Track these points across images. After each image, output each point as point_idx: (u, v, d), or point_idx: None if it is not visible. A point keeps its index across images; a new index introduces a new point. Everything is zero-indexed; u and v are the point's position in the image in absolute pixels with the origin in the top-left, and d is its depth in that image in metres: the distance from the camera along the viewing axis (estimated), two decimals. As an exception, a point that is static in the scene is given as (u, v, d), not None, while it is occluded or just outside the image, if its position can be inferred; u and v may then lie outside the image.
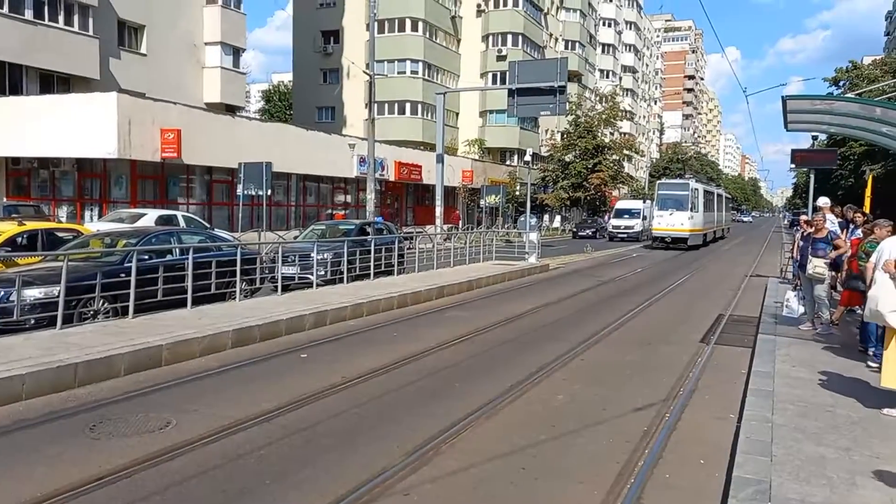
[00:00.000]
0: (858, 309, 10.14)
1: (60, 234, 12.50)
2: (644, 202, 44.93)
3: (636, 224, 41.47)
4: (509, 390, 7.31)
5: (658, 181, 40.52)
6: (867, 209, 17.95)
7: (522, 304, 13.89)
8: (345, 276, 14.69)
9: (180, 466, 5.05)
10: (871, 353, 8.32)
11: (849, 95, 34.06)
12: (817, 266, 10.21)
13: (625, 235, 40.90)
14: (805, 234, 11.98)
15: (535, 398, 7.14)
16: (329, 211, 34.74)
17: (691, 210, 33.32)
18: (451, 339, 10.09)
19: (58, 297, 8.68)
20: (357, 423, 6.20)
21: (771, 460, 5.04)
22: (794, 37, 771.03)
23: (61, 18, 27.32)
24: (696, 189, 34.89)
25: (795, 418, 6.07)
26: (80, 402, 6.59)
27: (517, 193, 45.26)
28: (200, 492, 4.67)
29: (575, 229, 46.88)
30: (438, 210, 29.34)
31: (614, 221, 42.91)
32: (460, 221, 42.91)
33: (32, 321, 8.79)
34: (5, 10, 25.38)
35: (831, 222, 11.53)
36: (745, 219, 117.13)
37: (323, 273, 14.52)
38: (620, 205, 45.38)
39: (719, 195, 45.15)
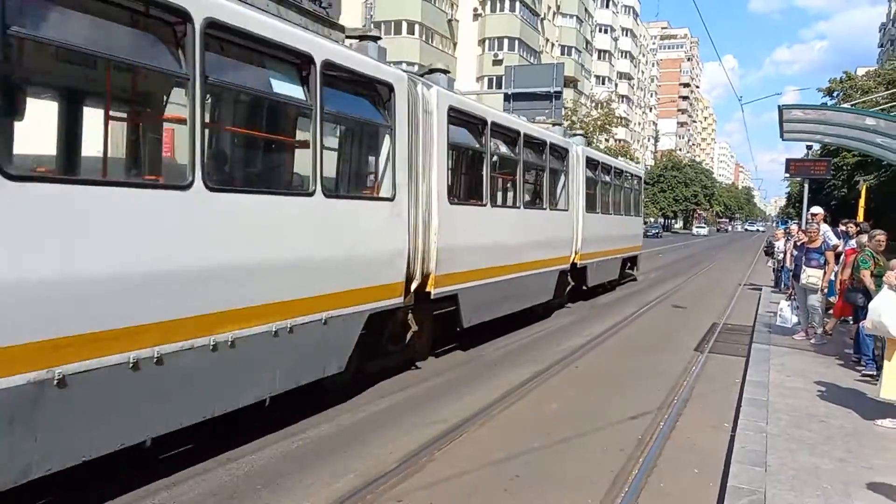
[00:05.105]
0: (851, 319, 10.17)
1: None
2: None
3: None
4: (503, 397, 7.27)
5: None
6: (860, 219, 18.03)
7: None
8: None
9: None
10: (864, 364, 8.33)
11: (844, 106, 34.18)
12: (811, 276, 10.22)
13: None
14: (799, 243, 11.99)
15: (529, 405, 7.11)
16: None
17: None
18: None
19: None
20: (349, 428, 6.16)
21: (765, 470, 5.03)
22: (791, 47, 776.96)
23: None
24: None
25: (790, 428, 6.06)
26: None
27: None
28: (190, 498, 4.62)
29: None
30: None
31: None
32: None
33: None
34: None
35: (826, 232, 11.52)
36: (761, 228, 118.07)
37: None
38: None
39: (536, 141, 12.11)
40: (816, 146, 34.52)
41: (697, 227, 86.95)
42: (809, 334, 10.51)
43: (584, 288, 14.75)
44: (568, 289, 13.84)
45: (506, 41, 53.67)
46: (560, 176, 13.15)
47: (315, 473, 5.07)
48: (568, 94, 52.18)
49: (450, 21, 52.60)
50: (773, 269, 19.83)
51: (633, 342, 10.90)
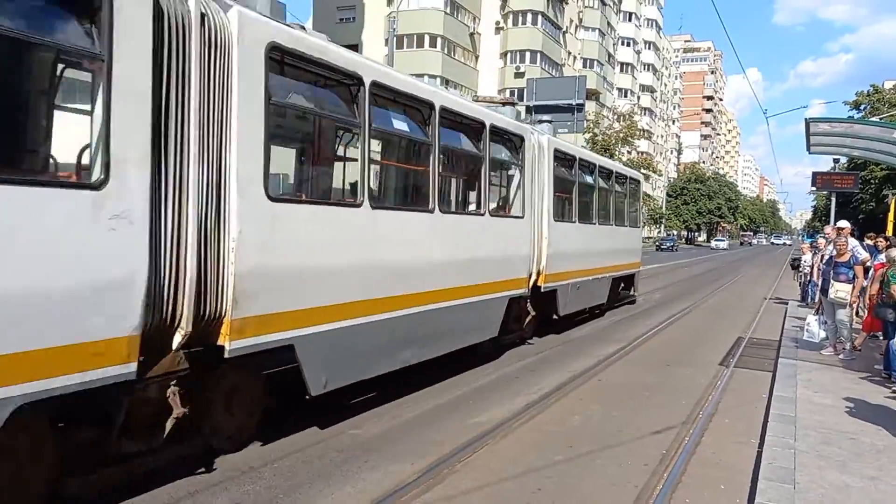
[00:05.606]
0: (881, 335, 9.99)
1: None
2: None
3: None
4: (525, 410, 7.22)
5: None
6: (889, 233, 17.73)
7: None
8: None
9: (193, 478, 4.98)
10: (895, 381, 8.16)
11: (872, 119, 33.67)
12: (839, 290, 10.05)
13: None
14: (827, 257, 11.81)
15: (551, 418, 7.04)
16: None
17: None
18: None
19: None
20: (371, 439, 6.15)
21: (794, 488, 4.93)
22: (816, 59, 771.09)
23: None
24: None
25: (818, 445, 5.94)
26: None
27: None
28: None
29: None
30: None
31: None
32: None
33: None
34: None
35: (855, 247, 11.35)
36: (787, 241, 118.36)
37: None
38: None
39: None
40: (843, 159, 34.07)
41: (716, 240, 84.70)
42: (838, 350, 10.32)
43: (556, 317, 11.66)
44: (528, 319, 10.82)
45: (528, 54, 53.80)
46: (512, 172, 10.14)
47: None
48: (590, 106, 52.12)
49: (472, 34, 52.89)
50: (800, 282, 19.57)
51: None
